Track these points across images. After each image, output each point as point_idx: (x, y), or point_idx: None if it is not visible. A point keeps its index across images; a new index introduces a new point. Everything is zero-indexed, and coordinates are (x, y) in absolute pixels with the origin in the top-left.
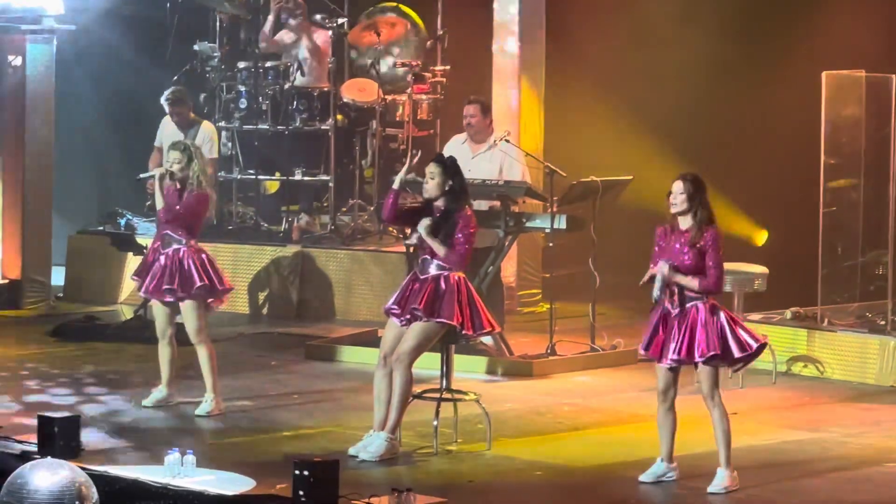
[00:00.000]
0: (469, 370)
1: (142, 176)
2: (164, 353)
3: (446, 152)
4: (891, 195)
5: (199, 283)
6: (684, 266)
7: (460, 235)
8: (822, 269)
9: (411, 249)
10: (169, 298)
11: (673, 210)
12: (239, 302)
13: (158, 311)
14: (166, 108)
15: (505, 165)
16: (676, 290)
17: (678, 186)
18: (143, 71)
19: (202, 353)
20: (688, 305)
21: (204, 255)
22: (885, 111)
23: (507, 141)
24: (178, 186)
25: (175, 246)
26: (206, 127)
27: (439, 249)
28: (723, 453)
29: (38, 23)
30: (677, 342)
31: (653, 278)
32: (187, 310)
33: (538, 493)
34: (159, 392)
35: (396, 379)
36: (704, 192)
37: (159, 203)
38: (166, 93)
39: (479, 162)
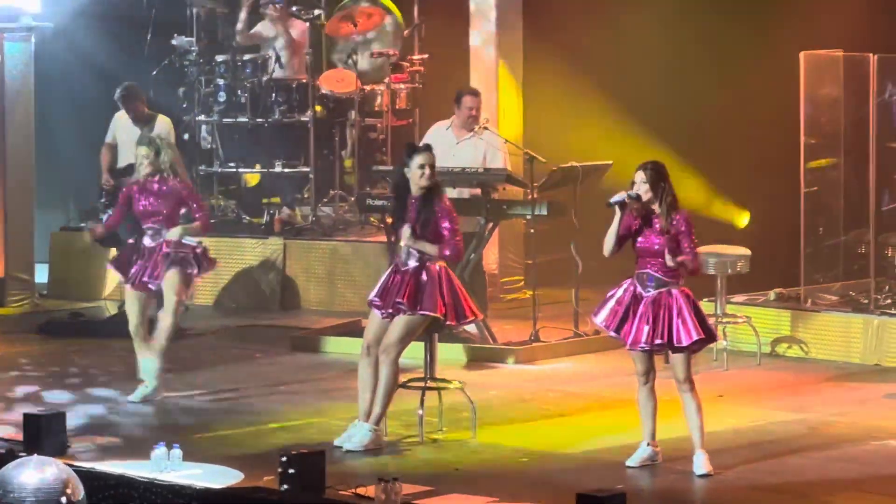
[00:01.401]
0: (453, 358)
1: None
2: (140, 351)
3: (429, 139)
4: (871, 174)
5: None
6: (656, 251)
7: (447, 228)
8: (804, 250)
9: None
10: (152, 287)
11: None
12: (222, 295)
13: (132, 307)
14: (119, 105)
15: (488, 153)
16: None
17: (640, 176)
18: (122, 66)
19: (164, 326)
20: (661, 289)
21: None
22: (863, 90)
23: (487, 128)
24: (155, 180)
25: (161, 239)
26: (163, 120)
27: (432, 250)
28: (699, 436)
29: (15, 21)
30: (654, 326)
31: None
32: (168, 277)
33: (524, 480)
34: (145, 387)
35: (382, 371)
36: (667, 179)
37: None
38: (118, 89)
39: (463, 148)
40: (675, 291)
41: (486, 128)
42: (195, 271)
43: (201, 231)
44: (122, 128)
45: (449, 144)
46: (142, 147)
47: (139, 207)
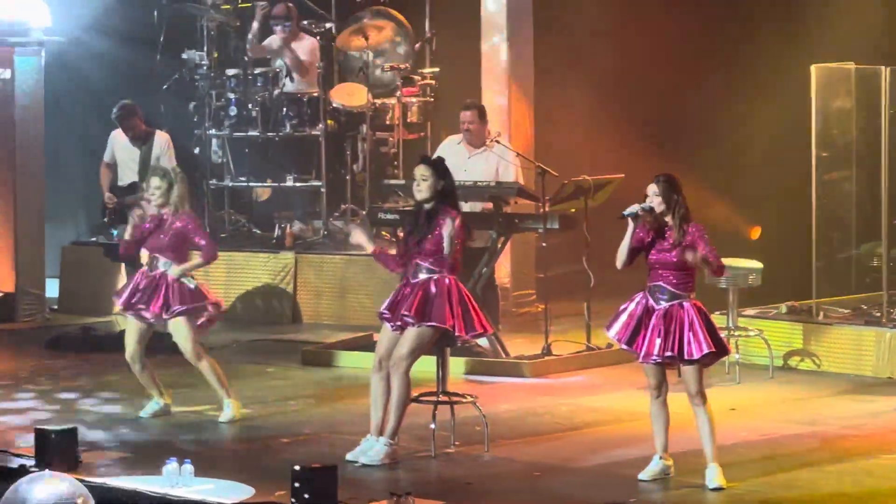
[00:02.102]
0: (465, 372)
1: (127, 200)
2: (142, 377)
3: (441, 152)
4: (883, 186)
5: (183, 305)
6: (671, 263)
7: (440, 243)
8: (816, 263)
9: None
10: (147, 315)
11: (656, 210)
12: (233, 309)
13: (129, 335)
14: (117, 124)
15: (500, 166)
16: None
17: (653, 189)
18: (133, 81)
19: (204, 368)
20: (673, 302)
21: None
22: (875, 103)
23: (499, 142)
24: (164, 213)
25: (162, 269)
26: (162, 136)
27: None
28: (711, 450)
29: (26, 35)
30: (666, 339)
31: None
32: (177, 327)
33: (537, 495)
34: (156, 403)
35: (394, 384)
36: (680, 192)
37: (128, 234)
38: (115, 109)
39: (475, 162)
40: (687, 304)
41: (497, 141)
42: (203, 320)
43: (205, 264)
44: (119, 146)
45: (461, 159)
46: (154, 178)
47: (148, 240)
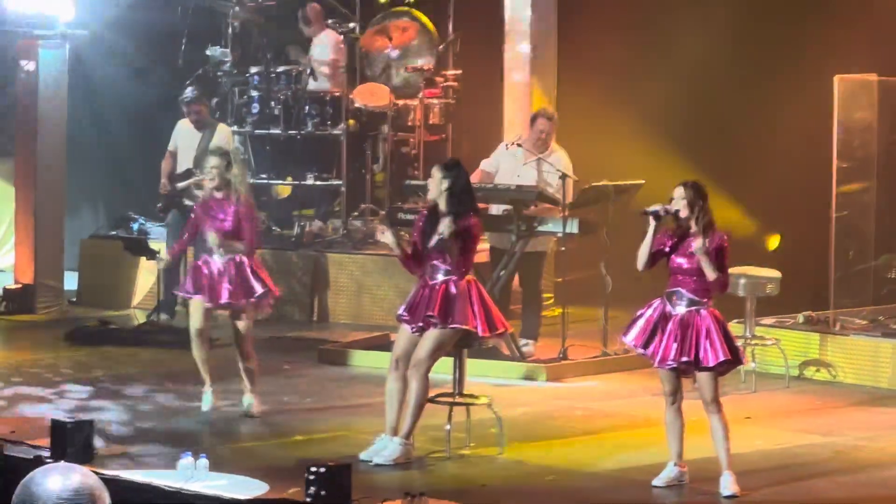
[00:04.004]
0: (481, 374)
1: (179, 185)
2: (199, 352)
3: (498, 154)
4: None
5: (260, 290)
6: (692, 270)
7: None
8: (834, 273)
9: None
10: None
11: (680, 214)
12: None
13: (195, 313)
14: (185, 108)
15: (549, 176)
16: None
17: (679, 192)
18: (156, 76)
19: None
20: (691, 308)
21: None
22: None
23: (519, 146)
24: (221, 196)
25: (230, 256)
26: (224, 129)
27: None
28: (726, 457)
29: (50, 28)
30: (682, 345)
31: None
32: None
33: (550, 498)
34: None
35: (412, 385)
36: (705, 199)
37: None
38: (186, 91)
39: (529, 170)
40: (704, 311)
41: (519, 145)
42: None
43: (246, 253)
44: (182, 135)
45: (516, 164)
46: (213, 157)
47: (207, 227)
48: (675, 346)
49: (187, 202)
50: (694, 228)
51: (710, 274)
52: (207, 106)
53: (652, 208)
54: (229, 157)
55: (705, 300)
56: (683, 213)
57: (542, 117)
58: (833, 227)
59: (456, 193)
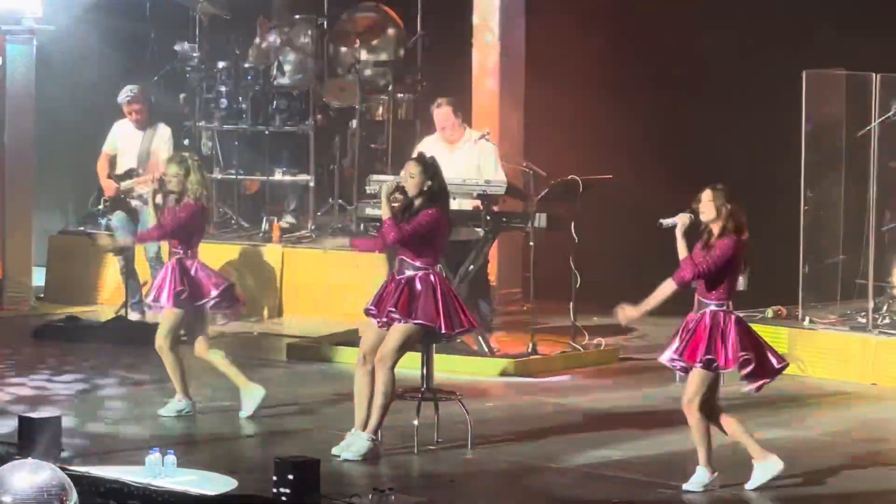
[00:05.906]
0: (450, 369)
1: (122, 186)
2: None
3: (422, 149)
4: (871, 193)
5: (215, 292)
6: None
7: (412, 223)
8: (802, 268)
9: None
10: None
11: (702, 217)
12: None
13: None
14: (125, 108)
15: (482, 162)
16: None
17: (707, 195)
18: (124, 71)
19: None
20: (710, 310)
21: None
22: (865, 109)
23: (487, 139)
24: (176, 200)
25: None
26: (165, 128)
27: (385, 212)
28: (705, 453)
29: (17, 23)
30: (717, 346)
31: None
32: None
33: (519, 493)
34: (176, 403)
35: (379, 380)
36: (730, 202)
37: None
38: (126, 90)
39: (456, 157)
40: (720, 314)
41: (487, 139)
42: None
43: (137, 240)
44: (122, 136)
45: (442, 154)
46: (172, 165)
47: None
48: (702, 346)
49: (133, 202)
50: (716, 232)
51: (681, 273)
52: (147, 105)
53: (667, 222)
54: (188, 164)
55: (720, 303)
56: (706, 217)
57: (436, 108)
58: (802, 222)
59: (434, 192)
